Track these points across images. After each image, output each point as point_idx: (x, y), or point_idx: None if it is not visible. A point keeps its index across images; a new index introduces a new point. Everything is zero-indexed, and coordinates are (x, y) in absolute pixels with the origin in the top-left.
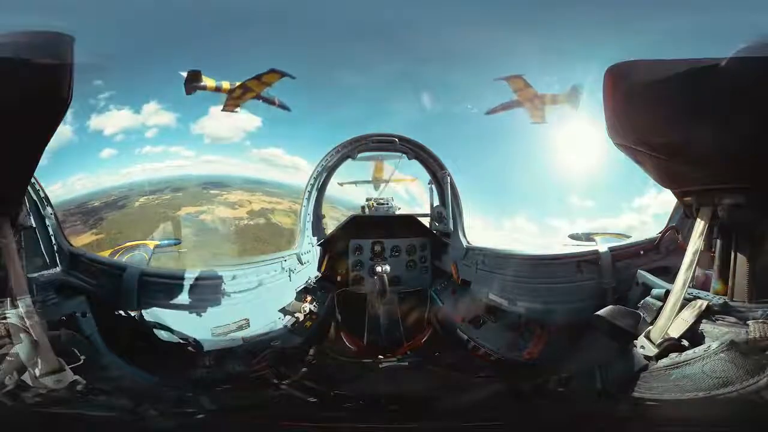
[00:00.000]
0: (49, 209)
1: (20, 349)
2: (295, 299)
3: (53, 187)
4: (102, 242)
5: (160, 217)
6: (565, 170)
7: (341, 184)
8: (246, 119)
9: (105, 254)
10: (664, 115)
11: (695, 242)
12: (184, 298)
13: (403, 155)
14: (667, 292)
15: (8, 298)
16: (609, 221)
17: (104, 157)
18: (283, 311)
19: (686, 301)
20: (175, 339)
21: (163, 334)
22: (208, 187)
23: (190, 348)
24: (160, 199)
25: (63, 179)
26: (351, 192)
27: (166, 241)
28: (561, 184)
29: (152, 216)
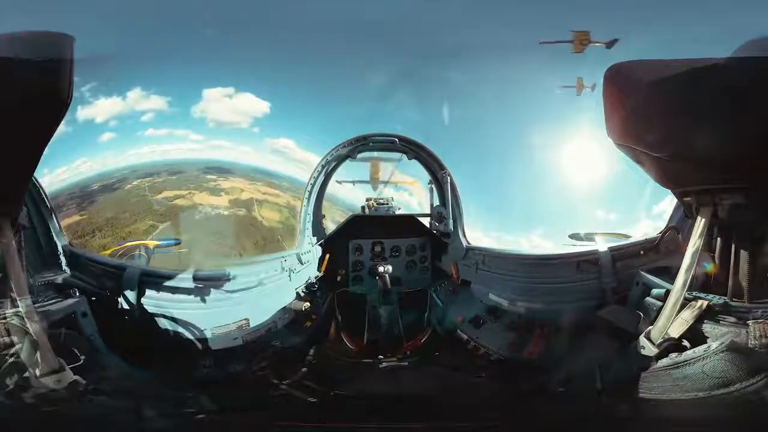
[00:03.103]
0: (49, 209)
1: (20, 349)
2: (295, 299)
3: (59, 170)
4: (82, 222)
5: (139, 199)
6: (567, 172)
7: (340, 182)
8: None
9: (105, 254)
10: (664, 115)
11: (695, 242)
12: (183, 297)
13: (403, 155)
14: (667, 292)
15: (8, 298)
16: (611, 220)
17: (106, 141)
18: (283, 311)
19: (686, 301)
20: (176, 339)
21: (171, 334)
22: (210, 171)
23: (190, 348)
24: (153, 181)
25: (68, 164)
26: (351, 193)
27: (165, 241)
28: (563, 186)
29: (131, 198)
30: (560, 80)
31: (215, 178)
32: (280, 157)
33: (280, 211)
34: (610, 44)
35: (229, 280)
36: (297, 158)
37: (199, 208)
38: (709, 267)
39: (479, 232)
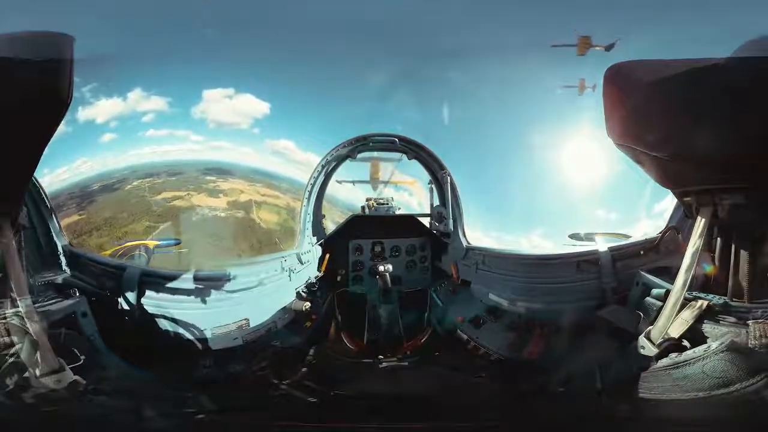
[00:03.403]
0: (49, 209)
1: (20, 349)
2: (295, 299)
3: (60, 170)
4: (80, 222)
5: (138, 199)
6: (568, 172)
7: (339, 182)
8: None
9: (105, 254)
10: (664, 115)
11: (695, 242)
12: (183, 298)
13: (403, 155)
14: (667, 292)
15: (8, 298)
16: (612, 219)
17: (107, 141)
18: (283, 311)
19: (686, 301)
20: (176, 339)
21: (171, 334)
22: (209, 173)
23: (190, 348)
24: (152, 182)
25: (69, 164)
26: (351, 193)
27: (165, 241)
28: (563, 185)
29: (131, 198)
30: (560, 80)
31: (215, 179)
32: (280, 158)
33: (279, 213)
34: (609, 47)
35: (229, 280)
36: (297, 159)
37: (197, 210)
38: (709, 268)
39: (479, 232)
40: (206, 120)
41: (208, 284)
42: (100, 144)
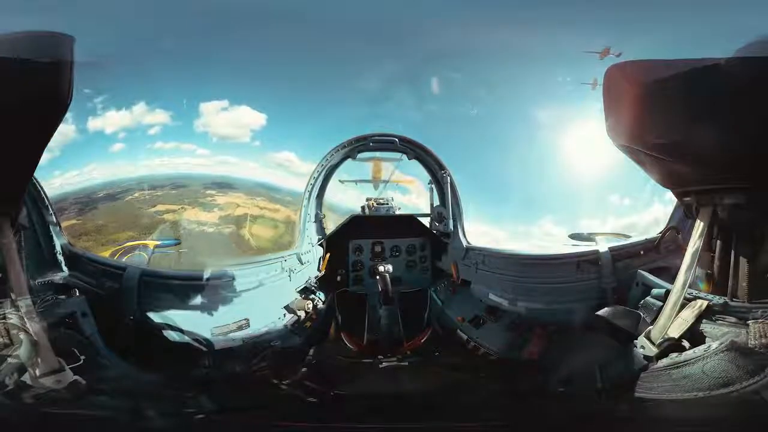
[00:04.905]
0: (49, 209)
1: (20, 349)
2: (295, 299)
3: (69, 174)
4: (76, 226)
5: (134, 211)
6: (566, 171)
7: (342, 182)
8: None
9: (105, 254)
10: (664, 115)
11: (695, 242)
12: (184, 298)
13: (403, 155)
14: (667, 292)
15: (8, 298)
16: (625, 205)
17: (117, 150)
18: (283, 311)
19: (686, 301)
20: (177, 339)
21: (171, 334)
22: (211, 187)
23: (189, 348)
24: (152, 194)
25: (79, 168)
26: (351, 199)
27: (165, 241)
28: (563, 184)
29: (127, 209)
30: (560, 80)
31: (213, 193)
32: (282, 171)
33: (276, 227)
34: (619, 54)
35: (231, 280)
36: (299, 171)
37: (183, 225)
38: (703, 286)
39: (487, 225)
40: (209, 133)
41: (208, 284)
42: (112, 153)
